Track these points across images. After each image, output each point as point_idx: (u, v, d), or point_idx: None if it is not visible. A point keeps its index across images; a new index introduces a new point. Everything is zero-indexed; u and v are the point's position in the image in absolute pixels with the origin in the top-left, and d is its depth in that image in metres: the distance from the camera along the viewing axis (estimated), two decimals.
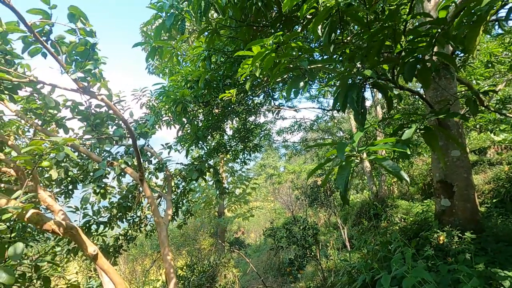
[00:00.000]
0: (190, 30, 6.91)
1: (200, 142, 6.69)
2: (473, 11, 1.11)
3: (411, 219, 7.78)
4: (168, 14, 2.72)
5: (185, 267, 7.10)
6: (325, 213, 15.14)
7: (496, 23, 6.32)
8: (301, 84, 1.72)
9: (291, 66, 1.82)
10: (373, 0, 1.96)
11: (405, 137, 1.53)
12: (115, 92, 5.06)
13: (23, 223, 4.09)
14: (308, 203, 13.29)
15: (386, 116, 11.06)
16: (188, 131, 5.85)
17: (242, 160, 8.62)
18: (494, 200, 7.67)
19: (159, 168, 4.85)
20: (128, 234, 7.00)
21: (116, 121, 4.40)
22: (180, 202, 7.46)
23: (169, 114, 6.53)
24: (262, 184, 28.28)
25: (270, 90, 6.94)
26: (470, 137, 11.36)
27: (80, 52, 2.76)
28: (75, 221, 6.14)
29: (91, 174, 4.97)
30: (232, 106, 6.07)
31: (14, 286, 2.79)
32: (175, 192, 7.25)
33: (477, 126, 9.48)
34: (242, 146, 8.18)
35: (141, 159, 4.82)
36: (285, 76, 2.69)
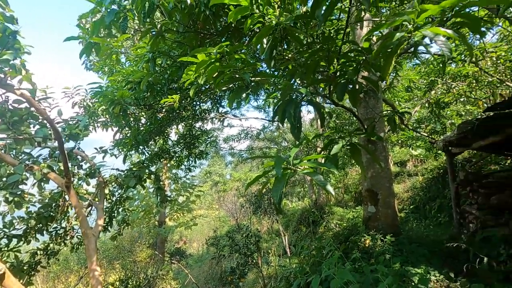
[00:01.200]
0: (136, 28, 6.55)
1: (141, 147, 6.31)
2: (387, 44, 1.31)
3: (344, 224, 8.46)
4: (109, 10, 2.55)
5: (116, 282, 6.51)
6: (268, 220, 15.50)
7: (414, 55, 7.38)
8: (244, 95, 1.77)
9: (236, 76, 1.87)
10: (312, 23, 2.13)
11: (333, 152, 1.69)
12: (42, 87, 4.50)
13: None
14: (252, 210, 13.47)
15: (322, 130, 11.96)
16: (128, 135, 5.48)
17: (187, 167, 8.36)
18: (411, 207, 8.81)
19: (91, 173, 4.41)
20: (49, 248, 6.16)
21: (40, 120, 3.89)
22: (115, 211, 6.86)
23: (106, 116, 6.03)
24: (207, 191, 27.73)
25: (217, 97, 6.93)
26: (394, 151, 12.90)
27: None
28: None
29: (4, 179, 4.29)
30: (178, 111, 5.89)
31: None
32: (110, 200, 6.66)
33: (399, 141, 10.83)
34: (187, 153, 7.95)
35: (69, 164, 4.34)
36: (230, 86, 2.73)
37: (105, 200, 6.80)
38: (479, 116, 4.28)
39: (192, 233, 22.13)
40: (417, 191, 9.09)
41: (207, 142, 11.03)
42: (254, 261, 8.32)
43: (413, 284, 3.02)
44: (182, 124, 8.13)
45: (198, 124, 9.14)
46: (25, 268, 5.60)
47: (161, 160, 7.55)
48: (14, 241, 5.22)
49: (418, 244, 4.38)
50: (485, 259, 3.44)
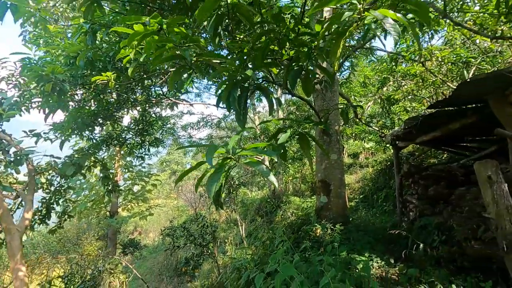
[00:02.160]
0: None
1: (86, 132, 5.71)
2: (335, 23, 1.22)
3: (300, 213, 8.69)
4: None
5: (55, 279, 5.92)
6: (226, 210, 15.44)
7: (370, 51, 7.64)
8: (185, 75, 1.57)
9: (177, 53, 1.65)
10: (266, 5, 1.97)
11: (280, 142, 1.59)
12: None
13: None
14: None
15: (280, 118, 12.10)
16: (67, 118, 4.88)
17: (139, 155, 7.82)
18: (361, 196, 9.33)
19: (17, 160, 3.83)
20: None
21: None
22: (54, 202, 6.20)
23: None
24: (165, 180, 26.77)
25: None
26: (348, 143, 13.55)
27: None
28: None
29: None
30: (127, 94, 5.40)
31: None
32: (47, 191, 5.99)
33: (353, 134, 11.37)
34: (140, 140, 7.42)
35: None
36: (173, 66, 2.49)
37: (42, 190, 6.10)
38: (423, 113, 4.57)
39: (148, 223, 21.32)
40: (367, 182, 9.65)
41: (164, 129, 10.46)
42: (210, 251, 8.20)
43: (357, 271, 3.14)
44: (137, 109, 7.56)
45: (156, 110, 8.58)
46: None
47: (109, 147, 6.95)
48: None
49: (364, 232, 4.61)
50: (421, 245, 3.71)
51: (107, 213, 15.92)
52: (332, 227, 4.53)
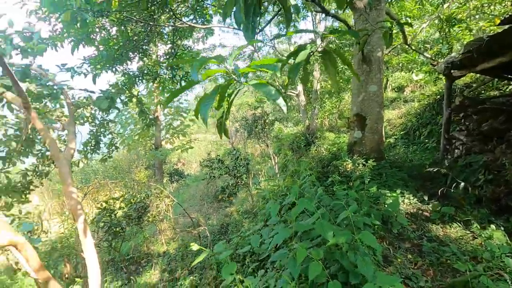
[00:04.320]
0: None
1: (116, 65, 5.75)
2: None
3: (334, 149, 8.55)
4: None
5: (110, 200, 6.86)
6: (261, 144, 15.83)
7: None
8: None
9: None
10: None
11: (299, 60, 1.34)
12: None
13: None
14: (247, 135, 13.55)
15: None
16: (96, 52, 4.89)
17: (171, 90, 7.88)
18: (401, 133, 8.76)
19: (53, 94, 4.04)
20: (37, 169, 6.25)
21: None
22: (100, 135, 6.75)
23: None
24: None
25: (198, 9, 6.00)
26: (393, 76, 12.26)
27: None
28: None
29: None
30: (152, 24, 5.13)
31: None
32: (92, 124, 6.47)
33: (400, 65, 10.12)
34: (171, 74, 7.36)
35: (28, 82, 3.93)
36: None
37: (88, 123, 6.61)
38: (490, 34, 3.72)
39: (189, 155, 22.96)
40: (410, 117, 8.91)
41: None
42: (244, 182, 8.68)
43: (385, 207, 3.05)
44: (167, 42, 7.34)
45: (186, 43, 8.28)
46: (18, 187, 5.78)
47: (143, 81, 7.04)
48: (0, 163, 5.23)
49: (399, 169, 4.38)
50: (462, 184, 3.43)
51: (152, 145, 17.36)
52: (364, 162, 4.35)
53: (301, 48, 1.44)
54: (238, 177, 8.57)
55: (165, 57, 7.37)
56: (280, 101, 1.08)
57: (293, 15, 1.41)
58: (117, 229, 6.39)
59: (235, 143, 21.06)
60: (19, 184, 5.88)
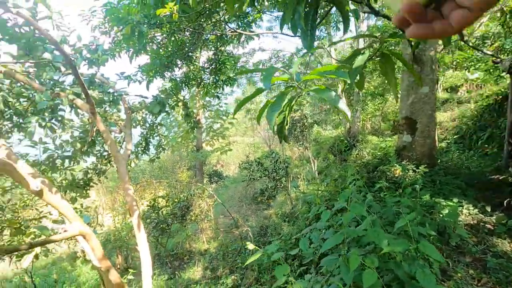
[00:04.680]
0: None
1: (166, 72, 6.14)
2: None
3: (378, 153, 8.17)
4: None
5: (158, 198, 7.33)
6: (299, 148, 15.67)
7: None
8: None
9: None
10: None
11: (356, 65, 1.33)
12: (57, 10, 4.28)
13: None
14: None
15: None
16: (149, 60, 5.28)
17: (214, 94, 8.19)
18: (455, 136, 8.07)
19: (114, 100, 4.45)
20: (97, 168, 6.90)
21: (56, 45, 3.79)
22: (150, 137, 7.26)
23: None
24: (241, 119, 28.26)
25: (241, 15, 6.17)
26: (445, 75, 11.35)
27: None
28: (35, 155, 5.89)
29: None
30: (200, 33, 5.41)
31: None
32: (143, 127, 6.98)
33: (454, 63, 9.35)
34: (214, 79, 7.67)
35: (92, 90, 4.38)
36: None
37: (139, 126, 7.15)
38: None
39: (228, 157, 23.54)
40: (466, 120, 8.15)
41: (236, 68, 10.51)
42: (282, 184, 8.68)
43: (440, 216, 2.84)
44: (208, 48, 7.66)
45: (225, 48, 8.56)
46: (80, 183, 6.44)
47: (188, 86, 7.43)
48: (67, 162, 5.89)
49: (455, 176, 4.04)
50: None
51: (194, 147, 18.16)
52: (414, 168, 4.10)
53: (357, 52, 1.42)
54: (277, 180, 8.59)
55: (208, 63, 7.69)
56: (343, 106, 1.08)
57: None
58: (164, 225, 6.80)
59: (272, 146, 21.12)
60: (81, 181, 6.54)
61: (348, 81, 1.04)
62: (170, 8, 2.11)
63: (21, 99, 4.66)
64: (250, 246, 1.87)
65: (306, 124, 11.67)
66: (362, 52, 1.34)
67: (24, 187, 2.54)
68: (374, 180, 4.26)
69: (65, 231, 3.05)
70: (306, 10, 1.27)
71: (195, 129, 7.20)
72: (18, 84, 4.35)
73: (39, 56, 3.42)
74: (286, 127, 1.28)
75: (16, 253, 3.03)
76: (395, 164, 4.34)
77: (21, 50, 3.34)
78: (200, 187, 8.89)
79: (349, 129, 12.99)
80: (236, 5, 1.49)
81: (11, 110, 4.03)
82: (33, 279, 8.62)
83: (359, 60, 1.29)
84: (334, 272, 2.09)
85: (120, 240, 8.93)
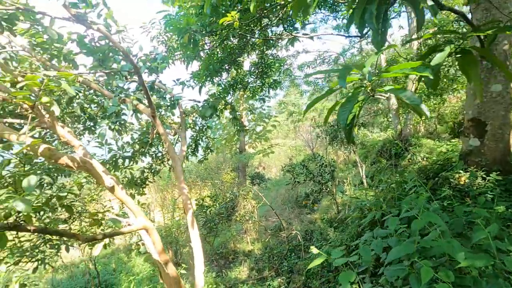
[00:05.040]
0: None
1: (216, 77, 6.42)
2: None
3: (434, 158, 7.51)
4: None
5: (206, 197, 7.66)
6: (345, 151, 15.12)
7: None
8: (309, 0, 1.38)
9: None
10: None
11: (435, 62, 1.24)
12: (122, 24, 4.74)
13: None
14: (329, 141, 13.20)
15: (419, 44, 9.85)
16: (200, 66, 5.57)
17: (261, 97, 8.33)
18: None
19: (172, 105, 4.78)
20: (152, 167, 7.43)
21: (124, 56, 4.21)
22: (199, 139, 7.61)
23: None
24: (283, 121, 28.22)
25: (290, 17, 6.19)
26: None
27: None
28: (101, 155, 6.56)
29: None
30: (248, 37, 5.56)
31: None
32: (194, 129, 7.36)
33: None
34: (260, 82, 7.80)
35: (151, 95, 4.74)
36: None
37: (189, 129, 7.55)
38: None
39: (270, 160, 23.65)
40: None
41: (281, 70, 10.54)
42: (328, 189, 8.45)
43: None
44: (255, 52, 7.82)
45: (271, 52, 8.64)
46: (138, 182, 7.00)
47: (235, 90, 7.66)
48: (127, 161, 6.45)
49: None
50: None
51: (237, 149, 18.60)
52: (484, 175, 3.68)
53: (435, 48, 1.34)
54: (322, 184, 8.39)
55: (255, 66, 7.84)
56: (423, 106, 1.03)
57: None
58: (211, 224, 7.08)
59: (315, 149, 20.68)
60: (138, 179, 7.09)
61: (431, 77, 0.98)
62: (232, 16, 2.22)
63: (92, 105, 5.25)
64: (314, 250, 1.84)
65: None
66: (440, 48, 1.25)
67: (100, 183, 2.84)
68: (435, 188, 3.92)
69: (129, 224, 3.35)
70: (378, 8, 1.23)
71: (243, 132, 7.37)
72: (91, 92, 4.91)
73: (110, 66, 3.82)
74: (356, 129, 1.24)
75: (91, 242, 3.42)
76: (460, 171, 3.94)
77: (96, 62, 3.77)
78: (245, 188, 9.07)
79: (400, 131, 12.17)
80: (302, 9, 1.50)
81: (86, 115, 4.56)
82: (96, 267, 9.55)
83: (438, 57, 1.20)
84: (396, 283, 1.96)
85: (170, 236, 9.48)
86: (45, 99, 2.19)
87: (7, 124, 3.21)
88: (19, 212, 2.09)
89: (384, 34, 1.25)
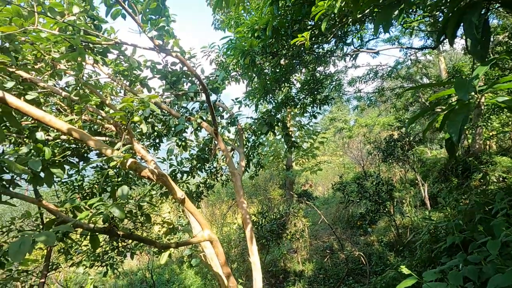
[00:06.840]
0: None
1: (269, 95, 6.62)
2: None
3: None
4: None
5: (257, 214, 7.70)
6: (401, 169, 14.08)
7: None
8: (396, 13, 1.39)
9: None
10: None
11: None
12: (185, 50, 5.22)
13: (125, 170, 4.85)
14: (382, 158, 12.45)
15: None
16: (257, 85, 5.80)
17: (311, 113, 8.31)
18: None
19: (232, 122, 5.02)
20: (207, 182, 7.78)
21: (190, 78, 4.60)
22: (251, 155, 7.80)
23: (237, 69, 6.53)
24: (330, 138, 27.51)
25: (342, 34, 6.19)
26: None
27: (153, 9, 2.82)
28: (163, 169, 7.07)
29: (173, 128, 5.51)
30: (302, 56, 5.68)
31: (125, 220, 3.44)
32: (246, 146, 7.58)
33: None
34: (311, 99, 7.81)
35: (215, 114, 5.05)
36: (366, 11, 2.29)
37: (243, 145, 7.81)
38: None
39: (317, 177, 23.06)
40: None
41: (331, 86, 10.44)
42: (386, 209, 7.90)
43: None
44: (304, 70, 7.90)
45: (320, 68, 8.66)
46: (194, 195, 7.36)
47: (286, 107, 7.76)
48: (185, 176, 6.86)
49: None
50: None
51: (284, 166, 18.53)
52: None
53: None
54: (379, 204, 7.87)
55: (306, 83, 7.90)
56: None
57: None
58: (263, 241, 7.06)
59: (366, 167, 19.66)
60: (194, 193, 7.45)
61: None
62: (303, 36, 2.32)
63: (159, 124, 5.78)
64: (405, 270, 1.73)
65: (409, 143, 10.44)
66: None
67: (173, 196, 3.08)
68: None
69: (194, 236, 3.52)
70: (479, 16, 1.18)
71: (294, 148, 7.37)
72: (160, 112, 5.43)
73: (180, 88, 4.20)
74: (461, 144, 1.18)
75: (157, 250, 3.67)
76: None
77: (168, 85, 4.18)
78: (295, 205, 8.92)
79: (467, 148, 10.99)
80: (382, 25, 1.51)
81: (155, 133, 5.03)
82: (152, 276, 10.06)
83: None
84: None
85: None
86: (136, 118, 2.49)
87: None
88: (112, 217, 2.36)
89: (486, 43, 1.19)
